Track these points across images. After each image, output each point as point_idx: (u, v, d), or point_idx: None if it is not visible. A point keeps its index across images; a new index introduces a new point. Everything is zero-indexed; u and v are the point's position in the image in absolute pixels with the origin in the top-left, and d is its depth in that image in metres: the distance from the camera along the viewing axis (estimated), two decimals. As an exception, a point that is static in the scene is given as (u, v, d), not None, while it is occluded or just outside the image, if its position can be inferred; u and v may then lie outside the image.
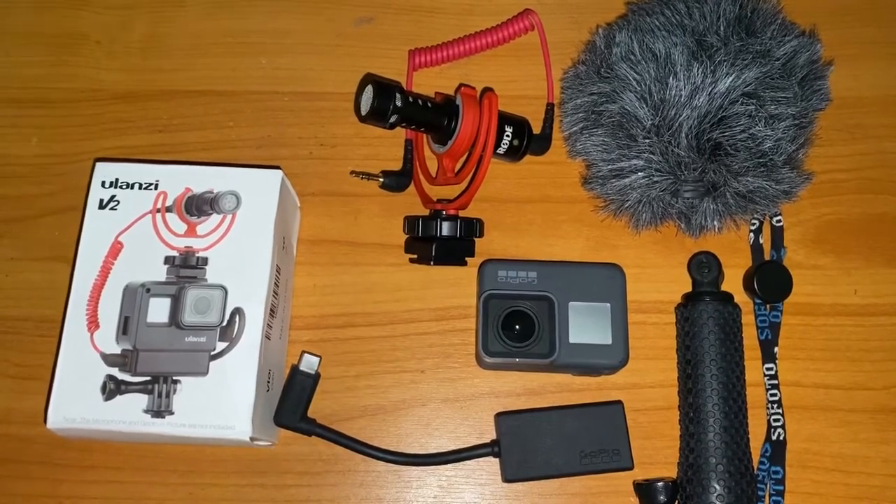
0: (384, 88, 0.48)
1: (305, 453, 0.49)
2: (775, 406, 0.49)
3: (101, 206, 0.45)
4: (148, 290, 0.44)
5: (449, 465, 0.48)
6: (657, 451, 0.49)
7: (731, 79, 0.45)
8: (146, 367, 0.42)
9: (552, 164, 0.54)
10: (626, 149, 0.47)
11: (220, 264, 0.44)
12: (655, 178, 0.47)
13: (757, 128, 0.46)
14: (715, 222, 0.49)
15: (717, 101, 0.45)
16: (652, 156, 0.47)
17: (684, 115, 0.46)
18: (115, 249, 0.44)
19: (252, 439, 0.42)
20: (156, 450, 0.48)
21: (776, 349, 0.50)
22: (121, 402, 0.42)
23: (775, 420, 0.48)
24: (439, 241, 0.50)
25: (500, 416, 0.48)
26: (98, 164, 0.46)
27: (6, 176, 0.54)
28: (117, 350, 0.43)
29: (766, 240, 0.52)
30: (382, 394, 0.50)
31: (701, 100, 0.45)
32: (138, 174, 0.46)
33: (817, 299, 0.51)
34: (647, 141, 0.47)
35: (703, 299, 0.48)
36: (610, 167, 0.48)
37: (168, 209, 0.45)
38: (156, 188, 0.46)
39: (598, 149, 0.49)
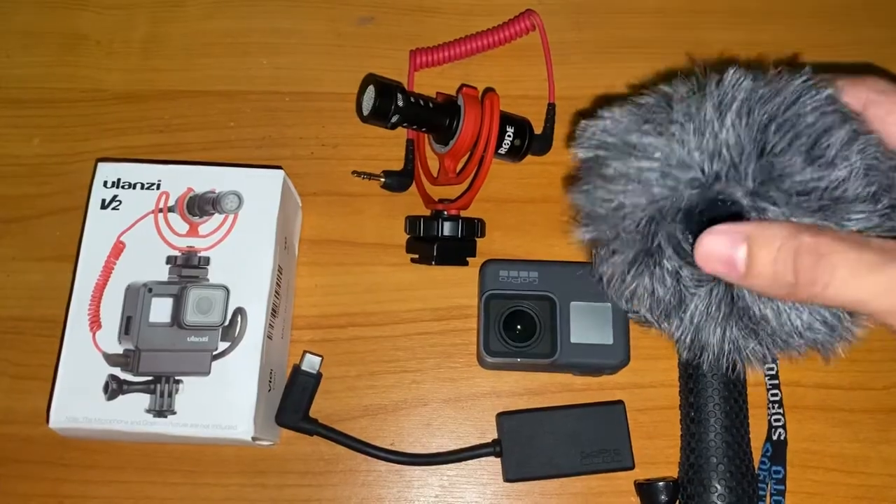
0: (386, 88, 0.48)
1: (307, 453, 0.49)
2: (776, 406, 0.49)
3: (103, 206, 0.45)
4: (150, 290, 0.44)
5: (450, 465, 0.48)
6: (658, 451, 0.49)
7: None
8: (148, 367, 0.42)
9: (553, 165, 0.54)
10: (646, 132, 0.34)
11: (222, 264, 0.44)
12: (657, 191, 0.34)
13: None
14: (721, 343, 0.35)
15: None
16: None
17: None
18: (118, 249, 0.44)
19: (254, 439, 0.42)
20: (157, 449, 0.48)
21: (777, 349, 0.50)
22: (123, 401, 0.42)
23: (776, 420, 0.49)
24: (441, 242, 0.50)
25: (501, 416, 0.48)
26: (100, 164, 0.46)
27: (7, 176, 0.54)
28: (119, 350, 0.43)
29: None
30: (384, 393, 0.50)
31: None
32: (140, 174, 0.46)
33: (818, 299, 0.51)
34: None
35: (704, 299, 0.48)
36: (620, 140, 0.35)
37: (170, 209, 0.45)
38: (158, 188, 0.46)
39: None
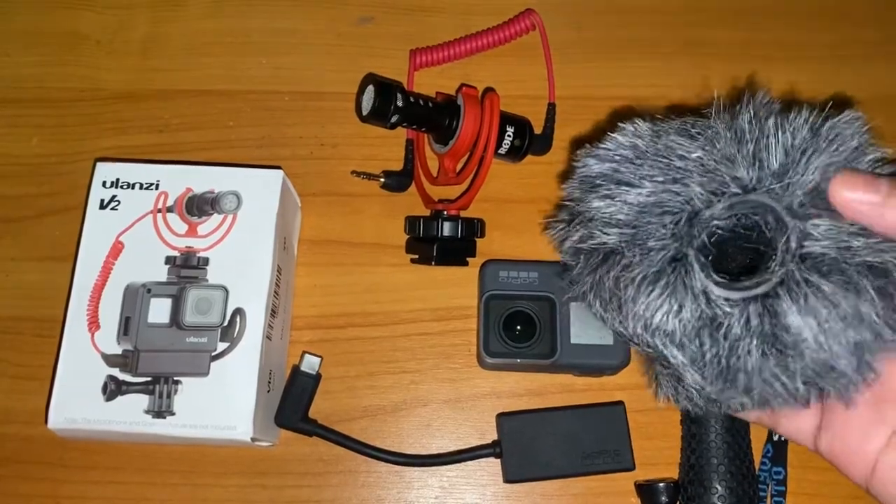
0: (385, 88, 0.48)
1: (306, 454, 0.48)
2: (777, 406, 0.49)
3: (102, 206, 0.45)
4: (149, 291, 0.44)
5: (450, 466, 0.48)
6: (659, 452, 0.48)
7: None
8: (147, 368, 0.42)
9: (553, 165, 0.54)
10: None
11: (221, 264, 0.44)
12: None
13: None
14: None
15: None
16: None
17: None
18: (116, 249, 0.44)
19: (253, 440, 0.42)
20: (156, 450, 0.48)
21: (778, 349, 0.50)
22: (122, 402, 0.42)
23: (777, 420, 0.48)
24: (441, 242, 0.49)
25: (501, 417, 0.48)
26: (99, 164, 0.46)
27: (6, 176, 0.54)
28: (118, 350, 0.43)
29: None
30: (383, 394, 0.50)
31: None
32: (139, 174, 0.46)
33: (818, 299, 0.51)
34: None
35: (704, 300, 0.48)
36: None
37: (169, 209, 0.45)
38: (156, 188, 0.45)
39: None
